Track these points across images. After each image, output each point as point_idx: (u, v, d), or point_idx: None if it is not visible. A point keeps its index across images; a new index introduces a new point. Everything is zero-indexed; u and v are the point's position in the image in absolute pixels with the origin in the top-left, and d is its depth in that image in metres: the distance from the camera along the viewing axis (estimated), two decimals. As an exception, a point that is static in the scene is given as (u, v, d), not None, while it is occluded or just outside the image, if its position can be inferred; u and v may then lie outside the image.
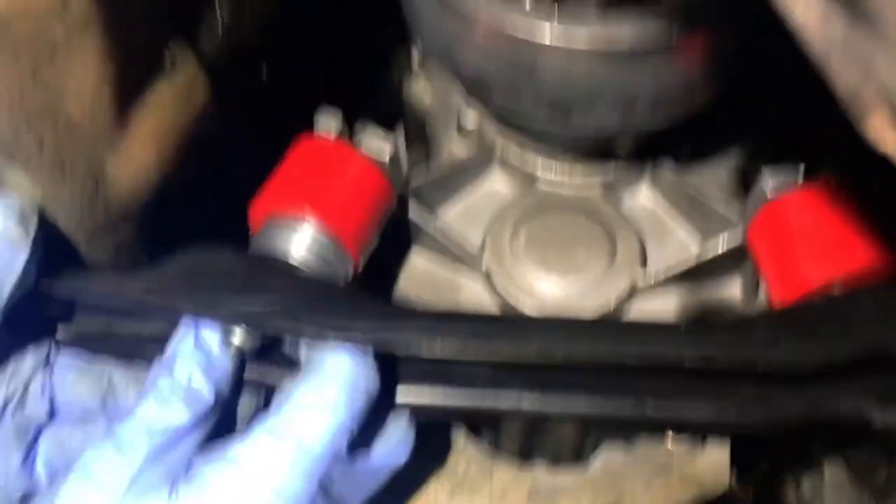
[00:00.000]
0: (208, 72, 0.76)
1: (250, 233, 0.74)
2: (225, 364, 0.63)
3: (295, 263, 0.69)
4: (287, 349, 0.67)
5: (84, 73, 0.59)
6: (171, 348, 0.63)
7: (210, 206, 0.80)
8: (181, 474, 0.58)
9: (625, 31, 0.61)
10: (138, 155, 0.69)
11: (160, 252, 0.70)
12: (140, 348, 0.70)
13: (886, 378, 0.69)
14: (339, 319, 0.64)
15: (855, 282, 0.67)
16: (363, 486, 0.66)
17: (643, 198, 0.89)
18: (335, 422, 0.59)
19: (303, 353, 0.65)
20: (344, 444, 0.59)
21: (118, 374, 0.68)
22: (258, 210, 0.72)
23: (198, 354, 0.61)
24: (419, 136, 1.02)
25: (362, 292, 0.68)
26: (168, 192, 0.73)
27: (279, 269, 0.67)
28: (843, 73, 0.29)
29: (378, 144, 0.72)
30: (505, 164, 0.89)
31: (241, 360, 0.65)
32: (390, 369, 0.68)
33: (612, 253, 0.84)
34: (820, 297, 0.67)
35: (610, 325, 0.77)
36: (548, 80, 0.66)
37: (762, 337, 0.62)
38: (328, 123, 0.74)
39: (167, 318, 0.69)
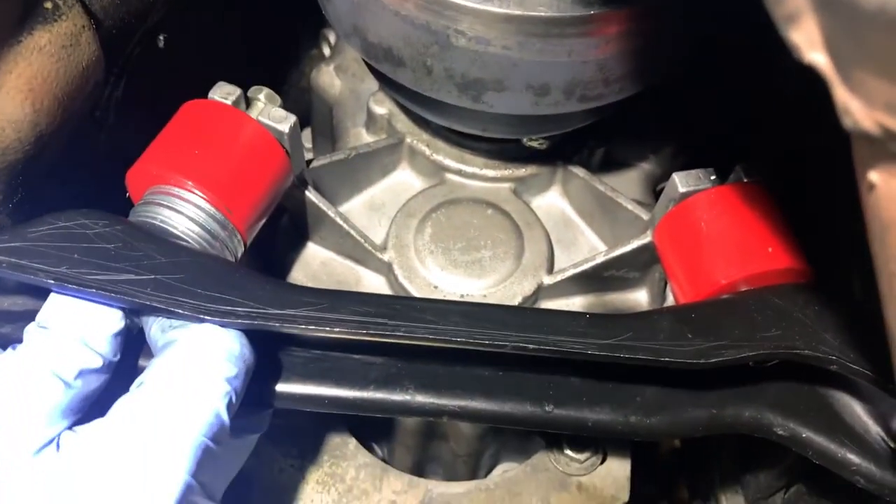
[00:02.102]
0: (98, 29, 0.70)
1: (132, 201, 0.68)
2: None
3: (176, 235, 0.63)
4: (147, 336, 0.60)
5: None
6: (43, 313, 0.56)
7: (91, 174, 0.73)
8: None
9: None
10: (7, 105, 0.62)
11: (27, 218, 0.63)
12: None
13: (789, 386, 0.68)
14: (219, 295, 0.58)
15: (761, 282, 0.65)
16: (226, 466, 0.61)
17: (553, 198, 0.86)
18: (218, 391, 0.53)
19: (158, 334, 0.57)
20: (226, 417, 0.54)
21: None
22: (138, 177, 0.66)
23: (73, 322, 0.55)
24: (326, 127, 0.98)
25: (248, 269, 0.62)
26: (42, 152, 0.67)
27: (157, 240, 0.61)
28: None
29: (277, 113, 0.67)
30: (414, 156, 0.85)
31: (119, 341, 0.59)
32: (275, 353, 0.64)
33: (520, 255, 0.81)
34: (726, 296, 0.65)
35: (513, 308, 0.73)
36: (459, 49, 0.62)
37: (667, 329, 0.59)
38: (224, 91, 0.68)
39: (29, 290, 0.62)
